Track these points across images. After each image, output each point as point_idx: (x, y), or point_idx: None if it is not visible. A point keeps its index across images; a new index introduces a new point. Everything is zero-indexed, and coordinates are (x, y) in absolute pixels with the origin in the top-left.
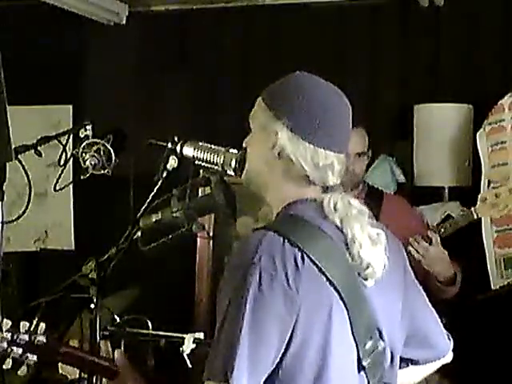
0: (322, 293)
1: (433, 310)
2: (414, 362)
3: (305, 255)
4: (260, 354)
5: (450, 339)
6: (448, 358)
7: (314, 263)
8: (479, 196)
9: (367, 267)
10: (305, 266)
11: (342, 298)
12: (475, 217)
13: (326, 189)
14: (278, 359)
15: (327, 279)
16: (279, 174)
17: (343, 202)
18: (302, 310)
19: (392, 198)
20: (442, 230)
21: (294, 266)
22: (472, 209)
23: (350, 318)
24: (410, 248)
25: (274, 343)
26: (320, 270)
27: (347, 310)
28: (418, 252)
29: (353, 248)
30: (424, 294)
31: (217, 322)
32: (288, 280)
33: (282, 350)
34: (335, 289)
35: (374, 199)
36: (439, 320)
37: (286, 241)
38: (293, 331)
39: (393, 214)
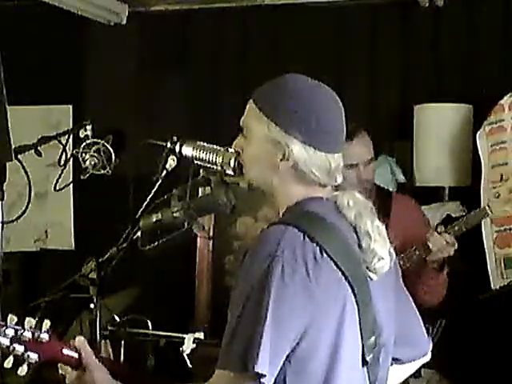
0: (338, 287)
1: (416, 310)
2: (399, 361)
3: (323, 250)
4: (280, 344)
5: (430, 339)
6: (428, 356)
7: (331, 258)
8: (488, 192)
9: (379, 260)
10: (323, 260)
11: (354, 293)
12: (489, 213)
13: (335, 188)
14: (293, 348)
15: (342, 274)
16: (289, 180)
17: (354, 199)
18: (320, 303)
19: (401, 198)
20: (456, 227)
21: (313, 260)
22: (485, 206)
23: (359, 313)
24: (430, 242)
25: (292, 333)
26: (336, 264)
27: (357, 304)
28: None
29: (366, 242)
30: (409, 294)
31: (232, 311)
32: (309, 273)
33: (297, 340)
34: (349, 283)
35: (383, 200)
36: (421, 320)
37: (305, 236)
38: (310, 322)
39: (402, 215)
